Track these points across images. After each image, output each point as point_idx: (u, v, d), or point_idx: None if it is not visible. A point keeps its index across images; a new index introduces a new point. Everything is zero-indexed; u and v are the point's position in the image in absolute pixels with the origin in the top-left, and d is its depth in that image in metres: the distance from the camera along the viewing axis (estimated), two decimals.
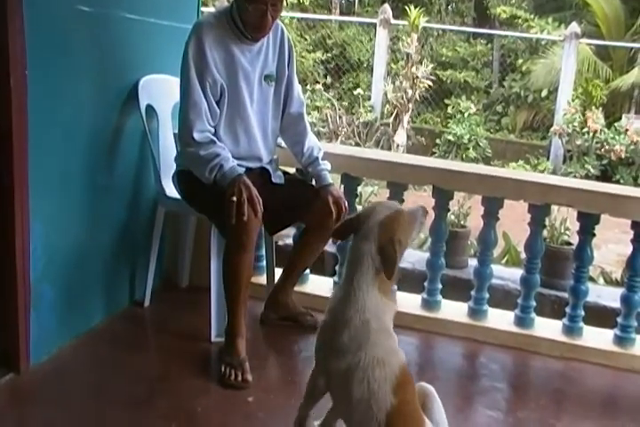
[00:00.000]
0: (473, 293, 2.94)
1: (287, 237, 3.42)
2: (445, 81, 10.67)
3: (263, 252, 3.05)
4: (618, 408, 2.42)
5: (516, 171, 7.14)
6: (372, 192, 5.44)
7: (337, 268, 3.08)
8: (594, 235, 2.78)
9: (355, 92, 9.57)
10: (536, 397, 2.46)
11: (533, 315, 2.88)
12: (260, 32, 2.44)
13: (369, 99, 9.36)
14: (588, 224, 2.76)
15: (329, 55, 10.90)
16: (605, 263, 4.73)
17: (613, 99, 9.48)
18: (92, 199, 2.54)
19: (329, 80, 10.51)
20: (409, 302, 2.97)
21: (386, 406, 1.60)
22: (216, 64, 2.41)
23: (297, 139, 2.70)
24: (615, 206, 2.67)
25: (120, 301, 2.81)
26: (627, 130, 8.18)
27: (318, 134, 8.21)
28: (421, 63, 8.75)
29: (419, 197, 4.78)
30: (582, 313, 2.83)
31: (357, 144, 8.56)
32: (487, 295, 2.93)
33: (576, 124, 8.22)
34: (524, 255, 2.97)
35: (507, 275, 3.83)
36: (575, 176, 7.69)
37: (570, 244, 3.96)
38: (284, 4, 2.51)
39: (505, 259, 4.68)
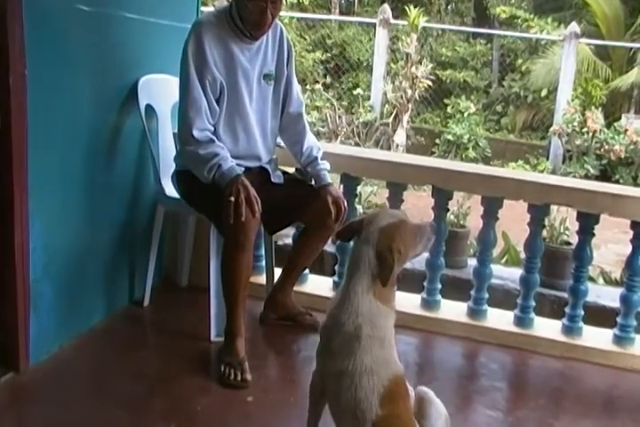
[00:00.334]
0: (472, 292, 2.94)
1: (287, 236, 3.42)
2: (445, 81, 10.67)
3: (262, 251, 3.05)
4: (617, 408, 2.42)
5: (515, 171, 7.13)
6: (372, 192, 5.43)
7: (336, 267, 3.08)
8: (593, 235, 2.78)
9: (354, 92, 9.56)
10: (535, 396, 2.46)
11: (533, 315, 2.88)
12: (260, 29, 2.44)
13: (368, 99, 9.35)
14: (587, 224, 2.76)
15: (328, 55, 10.89)
16: (605, 263, 4.73)
17: (613, 99, 9.47)
18: (91, 199, 2.54)
19: (328, 80, 10.50)
20: (408, 302, 2.97)
21: (371, 417, 1.58)
22: (215, 62, 2.42)
23: (296, 138, 2.70)
24: (615, 206, 2.67)
25: (119, 300, 2.81)
26: (626, 130, 8.17)
27: (318, 134, 8.21)
28: (421, 63, 8.74)
29: (418, 198, 4.80)
30: (582, 313, 2.83)
31: (357, 144, 8.55)
32: (487, 295, 2.93)
33: (575, 123, 8.21)
34: (523, 255, 2.97)
35: (506, 275, 3.84)
36: (575, 176, 7.68)
37: (569, 244, 3.96)
38: (284, 2, 2.51)
39: (504, 259, 4.68)
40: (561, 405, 2.46)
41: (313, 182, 2.66)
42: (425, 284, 2.99)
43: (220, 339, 2.49)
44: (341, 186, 2.98)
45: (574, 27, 8.86)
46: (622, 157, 8.08)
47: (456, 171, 2.96)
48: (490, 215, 2.87)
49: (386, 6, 9.40)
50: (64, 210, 2.41)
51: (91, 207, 2.54)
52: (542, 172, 8.12)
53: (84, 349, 2.46)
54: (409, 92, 8.56)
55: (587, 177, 7.58)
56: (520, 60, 10.77)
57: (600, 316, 3.19)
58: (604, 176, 8.06)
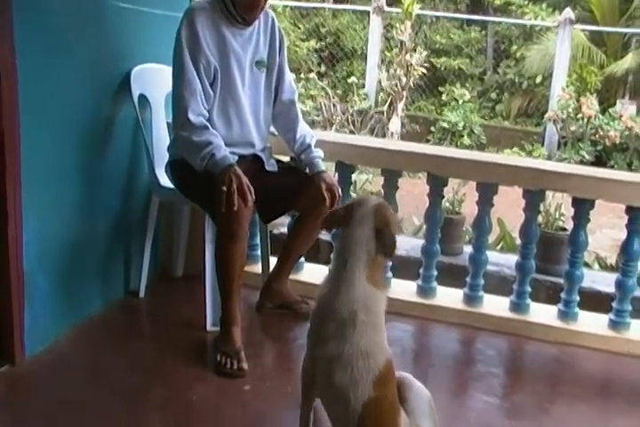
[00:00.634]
0: (468, 279, 2.94)
1: (282, 225, 3.42)
2: (439, 68, 10.63)
3: (258, 241, 3.05)
4: (612, 391, 2.43)
5: (509, 157, 7.12)
6: (367, 180, 5.43)
7: (332, 255, 3.07)
8: (588, 220, 2.78)
9: (349, 81, 9.52)
10: (532, 381, 2.47)
11: (529, 300, 2.88)
12: (252, 12, 2.43)
13: (363, 87, 9.32)
14: (582, 209, 2.76)
15: (322, 44, 10.83)
16: (600, 248, 4.74)
17: (608, 84, 9.45)
18: (85, 190, 2.53)
19: (323, 69, 10.46)
20: (404, 289, 2.98)
21: (363, 398, 1.60)
22: (208, 46, 2.42)
23: (289, 126, 2.69)
24: (609, 191, 2.67)
25: (115, 291, 2.80)
26: (621, 115, 8.16)
27: (313, 123, 8.18)
28: (415, 51, 8.71)
29: (414, 185, 4.79)
30: (577, 298, 2.84)
31: (352, 132, 8.52)
32: (482, 282, 2.94)
33: (570, 110, 8.20)
34: (519, 241, 2.97)
35: (502, 261, 3.84)
36: (570, 162, 7.68)
37: (565, 229, 3.96)
38: None
39: (500, 245, 4.68)
40: (557, 389, 2.47)
41: (307, 170, 2.65)
42: (421, 271, 2.99)
43: (216, 328, 2.49)
44: (336, 174, 2.97)
45: (569, 13, 8.82)
46: (617, 142, 8.08)
47: (450, 157, 2.95)
48: (485, 202, 2.87)
49: None
50: (58, 202, 2.39)
51: (85, 199, 2.53)
52: (537, 158, 8.11)
53: (80, 340, 2.45)
54: (403, 79, 8.53)
55: (582, 163, 7.58)
56: (515, 47, 10.73)
57: (595, 301, 3.19)
58: (599, 162, 8.06)
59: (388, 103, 8.72)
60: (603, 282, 3.50)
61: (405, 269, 3.30)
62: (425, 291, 2.96)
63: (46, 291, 2.37)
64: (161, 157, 2.69)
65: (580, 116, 8.15)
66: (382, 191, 3.02)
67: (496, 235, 4.62)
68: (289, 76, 2.72)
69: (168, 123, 2.78)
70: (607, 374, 2.58)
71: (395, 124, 8.53)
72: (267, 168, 2.62)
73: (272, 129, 2.74)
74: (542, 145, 8.79)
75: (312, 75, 9.29)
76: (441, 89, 9.97)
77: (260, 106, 2.61)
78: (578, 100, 8.24)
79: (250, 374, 2.29)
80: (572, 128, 8.22)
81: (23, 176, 2.16)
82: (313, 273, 3.06)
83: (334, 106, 8.76)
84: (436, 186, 2.91)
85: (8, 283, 2.19)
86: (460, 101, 9.27)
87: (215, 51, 2.44)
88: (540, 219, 3.60)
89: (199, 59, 2.39)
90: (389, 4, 9.25)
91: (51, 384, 2.19)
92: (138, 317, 2.82)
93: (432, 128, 9.25)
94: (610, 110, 8.37)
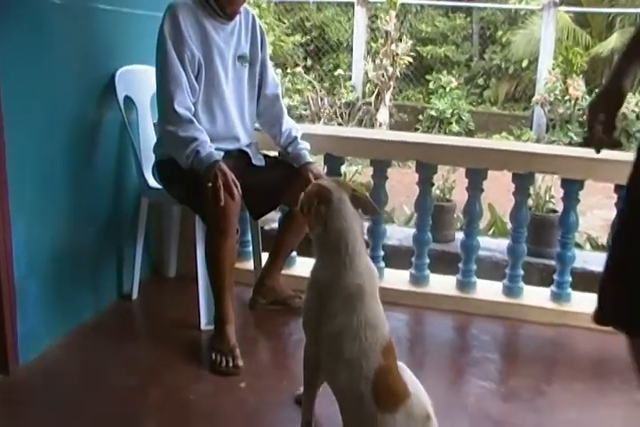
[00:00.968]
0: (461, 265, 2.94)
1: (273, 221, 3.41)
2: (426, 57, 10.63)
3: (249, 237, 3.05)
4: (607, 370, 2.43)
5: (497, 141, 7.12)
6: (357, 171, 5.43)
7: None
8: (578, 201, 2.79)
9: (335, 73, 9.52)
10: (527, 364, 2.48)
11: (522, 284, 2.89)
12: (232, 5, 2.44)
13: (350, 79, 9.32)
14: (572, 190, 2.76)
15: (308, 37, 10.82)
16: (591, 229, 4.74)
17: (594, 65, 9.45)
18: (74, 194, 2.51)
19: (309, 62, 10.46)
20: (397, 278, 2.98)
21: (374, 366, 1.65)
22: (191, 39, 2.42)
23: (274, 120, 2.70)
24: (597, 171, 2.67)
25: (108, 295, 2.79)
26: None
27: (300, 117, 8.17)
28: (401, 40, 8.70)
29: (403, 175, 4.78)
30: (570, 279, 2.84)
31: (340, 125, 8.52)
32: (475, 267, 2.94)
33: (557, 92, 8.21)
34: (510, 226, 2.97)
35: (494, 246, 3.84)
36: (559, 144, 7.69)
37: (555, 211, 3.96)
38: None
39: (491, 230, 4.68)
40: (553, 371, 2.48)
41: (294, 164, 2.64)
42: (413, 259, 2.99)
43: (210, 327, 2.49)
44: (325, 167, 2.96)
45: None
46: None
47: (438, 144, 2.96)
48: (475, 187, 2.87)
49: None
50: (46, 207, 2.38)
51: (73, 202, 2.52)
52: (526, 142, 8.12)
53: (74, 346, 2.44)
54: (390, 69, 8.52)
55: (570, 144, 7.59)
56: (500, 32, 10.73)
57: (588, 281, 3.17)
58: (588, 143, 8.05)
59: (375, 94, 8.72)
60: (594, 262, 3.50)
61: (398, 258, 3.31)
62: (418, 279, 2.97)
63: (38, 297, 2.36)
64: (148, 158, 2.68)
65: (567, 98, 8.15)
66: (372, 181, 3.02)
67: (487, 220, 4.63)
68: (272, 72, 2.73)
69: (154, 124, 2.77)
70: (601, 353, 2.58)
71: (383, 115, 8.52)
72: (254, 162, 2.62)
73: (257, 125, 2.74)
74: (531, 129, 8.80)
75: (298, 69, 9.28)
76: (428, 77, 9.97)
77: (244, 100, 2.61)
78: (565, 83, 8.24)
79: (246, 371, 2.29)
80: (560, 110, 8.23)
81: (10, 181, 2.14)
82: (305, 267, 3.03)
83: (322, 99, 8.75)
84: (426, 174, 2.90)
85: None
86: (448, 89, 9.27)
87: (198, 44, 2.44)
88: (530, 202, 3.60)
89: (184, 51, 2.39)
90: None
91: (46, 392, 2.17)
92: (131, 319, 2.81)
93: (420, 117, 9.26)
94: (597, 91, 8.34)
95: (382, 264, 3.00)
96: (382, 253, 3.01)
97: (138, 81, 2.73)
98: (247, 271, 2.97)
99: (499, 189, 3.53)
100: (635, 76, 1.61)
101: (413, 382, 1.73)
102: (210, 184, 2.25)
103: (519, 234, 2.87)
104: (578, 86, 8.12)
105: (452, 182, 4.33)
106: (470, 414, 2.11)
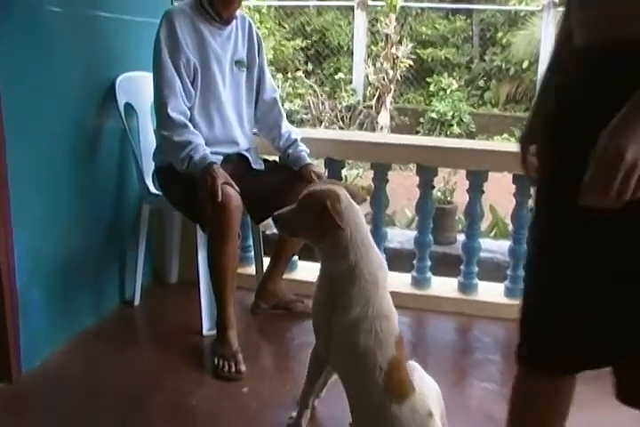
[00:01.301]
0: (462, 267, 2.94)
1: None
2: (426, 59, 10.63)
3: (251, 242, 3.06)
4: (609, 372, 2.42)
5: (496, 143, 7.11)
6: (358, 175, 5.43)
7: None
8: (483, 193, 2.83)
9: (336, 77, 9.53)
10: None
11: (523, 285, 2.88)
12: (229, 7, 2.46)
13: (350, 82, 9.33)
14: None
15: (308, 42, 10.83)
16: None
17: None
18: (75, 201, 2.53)
19: (310, 67, 10.46)
20: (399, 282, 2.98)
21: (388, 356, 1.67)
22: (187, 44, 2.43)
23: (273, 124, 2.71)
24: None
25: (110, 301, 2.80)
26: None
27: (302, 122, 8.18)
28: (401, 43, 8.71)
29: (405, 178, 4.79)
30: None
31: (341, 129, 8.53)
32: (476, 269, 2.94)
33: None
34: (511, 227, 2.97)
35: (495, 247, 3.83)
36: None
37: None
38: None
39: (493, 232, 4.68)
40: None
41: (294, 167, 2.65)
42: (415, 262, 2.99)
43: (213, 332, 2.49)
44: (326, 171, 2.97)
45: None
46: None
47: (438, 147, 2.96)
48: (475, 189, 2.87)
49: None
50: (48, 214, 2.39)
51: (76, 209, 2.53)
52: None
53: (77, 353, 2.45)
54: (390, 73, 8.54)
55: None
56: (500, 34, 10.72)
57: None
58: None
59: (376, 97, 8.73)
60: None
61: (399, 261, 3.30)
62: (420, 282, 2.97)
63: (41, 305, 2.36)
64: (149, 164, 2.69)
65: None
66: (372, 185, 3.02)
67: (489, 222, 4.62)
68: (269, 76, 2.75)
69: (155, 130, 2.78)
70: None
71: (384, 118, 8.53)
72: (253, 166, 2.63)
73: (255, 130, 2.75)
74: None
75: (299, 73, 9.30)
76: (428, 80, 9.97)
77: (242, 105, 2.62)
78: None
79: (248, 375, 2.29)
80: None
81: (11, 189, 2.14)
82: (307, 271, 3.05)
83: (322, 103, 8.76)
84: (426, 177, 2.91)
85: (1, 298, 2.17)
86: (448, 91, 9.27)
87: (195, 49, 2.45)
88: (530, 202, 3.59)
89: (178, 57, 2.41)
90: None
91: (50, 399, 2.17)
92: (134, 325, 2.82)
93: (421, 119, 9.26)
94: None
95: None
96: (384, 256, 3.01)
97: (138, 88, 2.75)
98: (249, 276, 2.97)
99: (500, 191, 3.53)
100: None
101: (427, 379, 1.75)
102: (208, 183, 2.27)
103: (520, 235, 2.86)
104: None
105: (452, 184, 4.34)
106: (473, 416, 2.11)
